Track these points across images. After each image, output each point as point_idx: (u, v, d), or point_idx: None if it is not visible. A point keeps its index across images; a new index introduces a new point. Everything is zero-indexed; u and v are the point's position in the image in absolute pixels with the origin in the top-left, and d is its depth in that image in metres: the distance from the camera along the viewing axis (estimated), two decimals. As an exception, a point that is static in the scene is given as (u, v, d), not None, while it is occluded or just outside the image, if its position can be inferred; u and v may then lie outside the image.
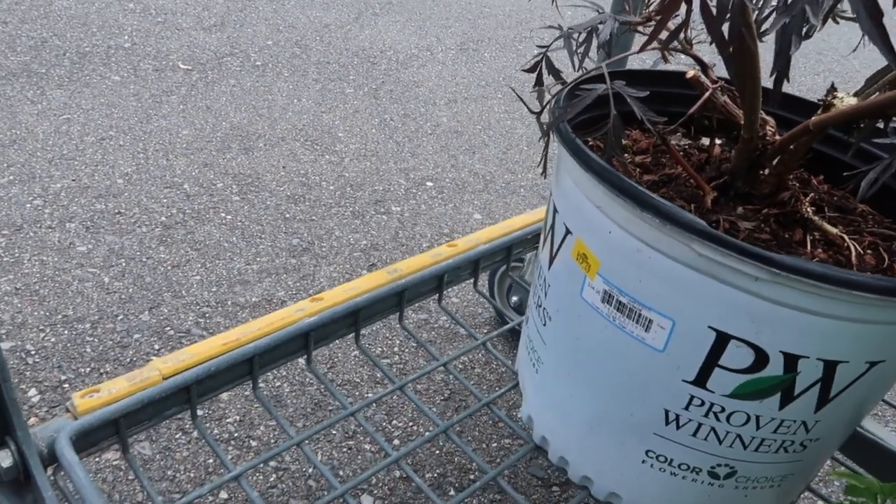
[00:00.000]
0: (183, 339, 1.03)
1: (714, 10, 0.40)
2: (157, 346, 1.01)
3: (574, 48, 0.64)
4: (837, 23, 0.60)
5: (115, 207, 1.31)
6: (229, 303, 1.11)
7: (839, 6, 0.59)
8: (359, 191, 1.48)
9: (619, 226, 0.48)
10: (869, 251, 0.53)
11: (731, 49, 0.42)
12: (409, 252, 1.31)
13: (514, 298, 1.07)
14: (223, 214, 1.33)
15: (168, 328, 1.05)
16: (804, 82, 2.52)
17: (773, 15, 0.39)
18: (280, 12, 2.44)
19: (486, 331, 1.15)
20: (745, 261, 0.42)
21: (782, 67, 0.35)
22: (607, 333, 0.52)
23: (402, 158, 1.65)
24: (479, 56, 2.35)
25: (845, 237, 0.53)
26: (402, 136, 1.75)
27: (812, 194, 0.56)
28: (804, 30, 0.38)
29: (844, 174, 0.60)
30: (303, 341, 0.66)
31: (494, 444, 0.95)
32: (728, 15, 0.39)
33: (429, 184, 1.56)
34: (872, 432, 0.73)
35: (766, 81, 0.46)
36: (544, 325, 0.60)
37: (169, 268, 1.17)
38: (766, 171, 0.55)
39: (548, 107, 0.58)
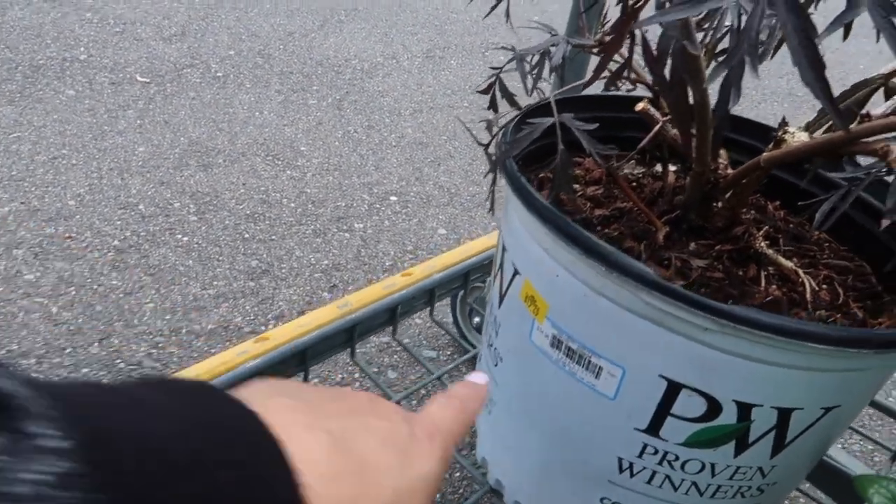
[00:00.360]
0: (133, 373, 0.99)
1: (654, 53, 0.38)
2: (105, 381, 0.97)
3: (527, 71, 0.62)
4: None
5: (66, 231, 1.26)
6: (184, 331, 1.07)
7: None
8: (321, 207, 1.45)
9: (566, 269, 0.46)
10: (824, 286, 0.52)
11: (673, 93, 0.40)
12: (371, 272, 1.28)
13: (477, 320, 1.05)
14: (179, 236, 1.29)
15: (118, 360, 1.01)
16: (780, 84, 2.54)
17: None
18: (243, 20, 2.40)
19: (449, 352, 1.12)
20: (694, 311, 0.40)
21: (721, 121, 0.33)
22: (558, 379, 0.49)
23: (366, 172, 1.62)
24: (445, 64, 2.33)
25: (800, 272, 0.52)
26: (366, 148, 1.72)
27: (766, 227, 0.55)
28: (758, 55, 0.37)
29: (800, 203, 0.59)
30: (247, 385, 0.63)
31: (457, 474, 0.93)
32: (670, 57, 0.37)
33: (393, 198, 1.54)
34: (832, 457, 0.72)
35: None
36: (496, 365, 0.57)
37: (121, 295, 1.13)
38: (720, 204, 0.53)
39: (495, 139, 0.56)
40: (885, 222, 0.43)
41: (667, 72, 0.37)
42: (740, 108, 0.75)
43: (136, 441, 0.16)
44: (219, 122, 1.72)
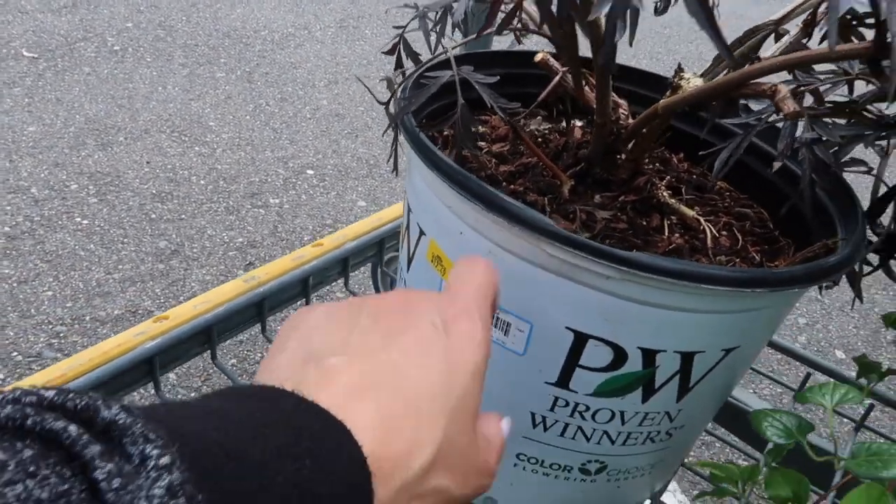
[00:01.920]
0: (33, 364, 0.93)
1: (543, -7, 0.36)
2: (1, 376, 0.91)
3: (429, 28, 0.60)
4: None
5: (-52, 219, 1.16)
6: (87, 318, 1.01)
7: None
8: (233, 184, 1.39)
9: (470, 227, 0.45)
10: (724, 232, 0.53)
11: (562, 31, 0.39)
12: (289, 247, 1.24)
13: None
14: (78, 219, 1.21)
15: (15, 353, 0.94)
16: (690, 49, 2.61)
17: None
18: (141, -9, 2.26)
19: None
20: (596, 260, 0.40)
21: (608, 56, 0.33)
22: (468, 338, 0.49)
23: (280, 146, 1.56)
24: (359, 34, 2.27)
25: (701, 220, 0.52)
26: (280, 122, 1.66)
27: (669, 177, 0.55)
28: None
29: (700, 153, 0.60)
30: (146, 367, 0.59)
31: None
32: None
33: (309, 172, 1.49)
34: (741, 400, 0.74)
35: (622, 58, 0.44)
36: (409, 330, 0.56)
37: (15, 284, 1.05)
38: (623, 156, 0.53)
39: (394, 97, 0.54)
40: (777, 165, 0.44)
41: (554, 7, 0.36)
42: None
43: (221, 447, 0.18)
44: (118, 98, 1.62)
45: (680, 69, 0.47)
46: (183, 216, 1.27)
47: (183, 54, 1.90)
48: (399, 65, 0.63)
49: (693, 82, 0.45)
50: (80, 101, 1.58)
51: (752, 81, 0.40)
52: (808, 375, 0.69)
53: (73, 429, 0.15)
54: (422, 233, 0.51)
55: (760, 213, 0.60)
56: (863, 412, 0.63)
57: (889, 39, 0.31)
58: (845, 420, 0.67)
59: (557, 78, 0.50)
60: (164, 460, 0.15)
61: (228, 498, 0.17)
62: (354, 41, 2.21)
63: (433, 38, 0.58)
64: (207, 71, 1.83)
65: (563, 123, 0.64)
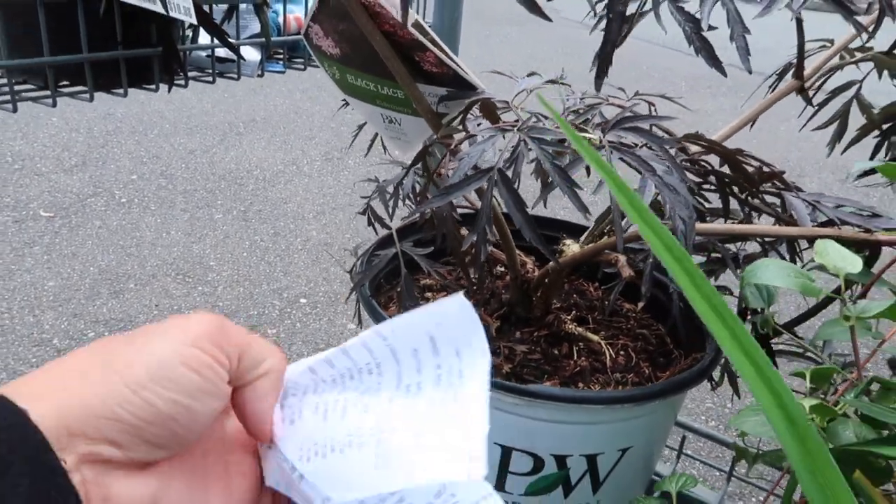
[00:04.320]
0: None
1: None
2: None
3: (387, 199, 0.76)
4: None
5: (-20, 376, 1.29)
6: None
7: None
8: (233, 318, 1.54)
9: (416, 370, 0.59)
10: (622, 353, 0.67)
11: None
12: (286, 374, 1.37)
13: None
14: (96, 365, 1.35)
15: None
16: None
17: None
18: (143, 143, 2.50)
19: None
20: (504, 393, 0.53)
21: (478, 259, 0.48)
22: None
23: (275, 278, 1.72)
24: (343, 164, 2.49)
25: (603, 343, 0.66)
26: (274, 255, 1.83)
27: (575, 311, 0.70)
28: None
29: (602, 287, 0.75)
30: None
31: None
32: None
33: (302, 300, 1.64)
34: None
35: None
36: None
37: (42, 431, 1.17)
38: (536, 297, 0.68)
39: (353, 269, 0.69)
40: (640, 304, 0.59)
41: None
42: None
43: None
44: (127, 247, 1.80)
45: (562, 237, 0.63)
46: (190, 354, 1.40)
47: (183, 199, 2.09)
48: (370, 222, 0.78)
49: (572, 248, 0.61)
50: (93, 254, 1.75)
51: (604, 252, 0.55)
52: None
53: None
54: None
55: (658, 328, 0.74)
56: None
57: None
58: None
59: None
60: None
61: None
62: (339, 172, 2.42)
63: (391, 205, 0.74)
64: (206, 213, 2.02)
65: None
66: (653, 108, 0.65)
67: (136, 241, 1.83)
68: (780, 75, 0.79)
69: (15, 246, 1.76)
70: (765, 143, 2.92)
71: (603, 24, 0.55)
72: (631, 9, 0.51)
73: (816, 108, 0.76)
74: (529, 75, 0.58)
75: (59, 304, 1.54)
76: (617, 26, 0.43)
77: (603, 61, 0.45)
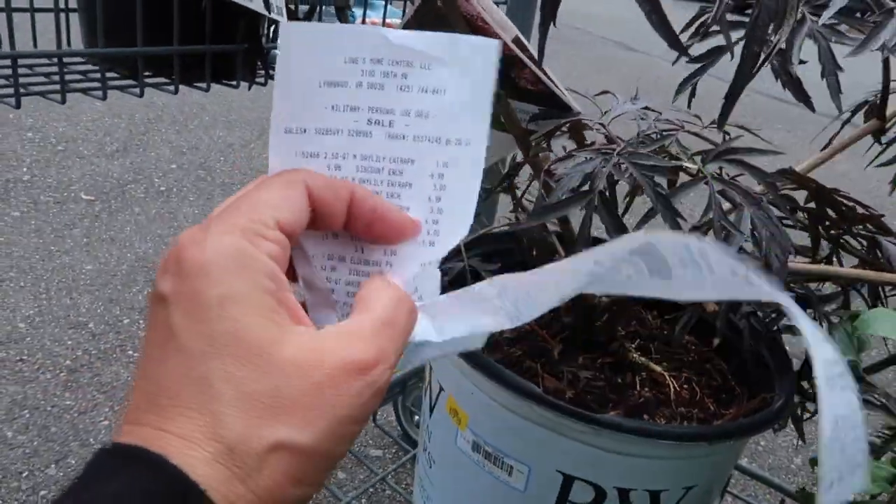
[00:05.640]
0: (91, 491, 1.04)
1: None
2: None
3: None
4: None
5: (17, 354, 1.30)
6: (139, 446, 1.13)
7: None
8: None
9: (478, 387, 0.58)
10: (685, 386, 0.65)
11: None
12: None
13: (417, 418, 1.14)
14: (130, 352, 1.36)
15: (75, 480, 1.05)
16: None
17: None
18: (183, 134, 2.52)
19: (394, 450, 1.21)
20: (572, 419, 0.52)
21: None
22: (479, 476, 0.60)
23: (309, 278, 1.72)
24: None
25: (666, 375, 0.65)
26: (308, 255, 1.83)
27: (639, 340, 0.68)
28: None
29: (665, 317, 0.73)
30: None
31: (406, 566, 1.00)
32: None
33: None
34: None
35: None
36: (430, 467, 0.68)
37: (76, 415, 1.18)
38: (601, 322, 0.67)
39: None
40: (716, 341, 0.57)
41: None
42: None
43: None
44: (164, 236, 1.81)
45: (637, 264, 0.61)
46: (223, 348, 1.40)
47: (221, 192, 2.11)
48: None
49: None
50: (131, 240, 1.76)
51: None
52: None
53: None
54: (441, 389, 0.63)
55: (720, 364, 0.72)
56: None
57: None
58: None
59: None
60: None
61: None
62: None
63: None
64: (243, 208, 2.03)
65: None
66: (726, 137, 0.63)
67: (174, 231, 1.84)
68: (855, 112, 0.77)
69: (55, 227, 1.78)
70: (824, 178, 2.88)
71: (683, 59, 0.54)
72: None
73: (884, 146, 0.74)
74: (633, 99, 0.57)
75: (95, 288, 1.55)
76: (750, 65, 0.42)
77: (729, 101, 0.44)
